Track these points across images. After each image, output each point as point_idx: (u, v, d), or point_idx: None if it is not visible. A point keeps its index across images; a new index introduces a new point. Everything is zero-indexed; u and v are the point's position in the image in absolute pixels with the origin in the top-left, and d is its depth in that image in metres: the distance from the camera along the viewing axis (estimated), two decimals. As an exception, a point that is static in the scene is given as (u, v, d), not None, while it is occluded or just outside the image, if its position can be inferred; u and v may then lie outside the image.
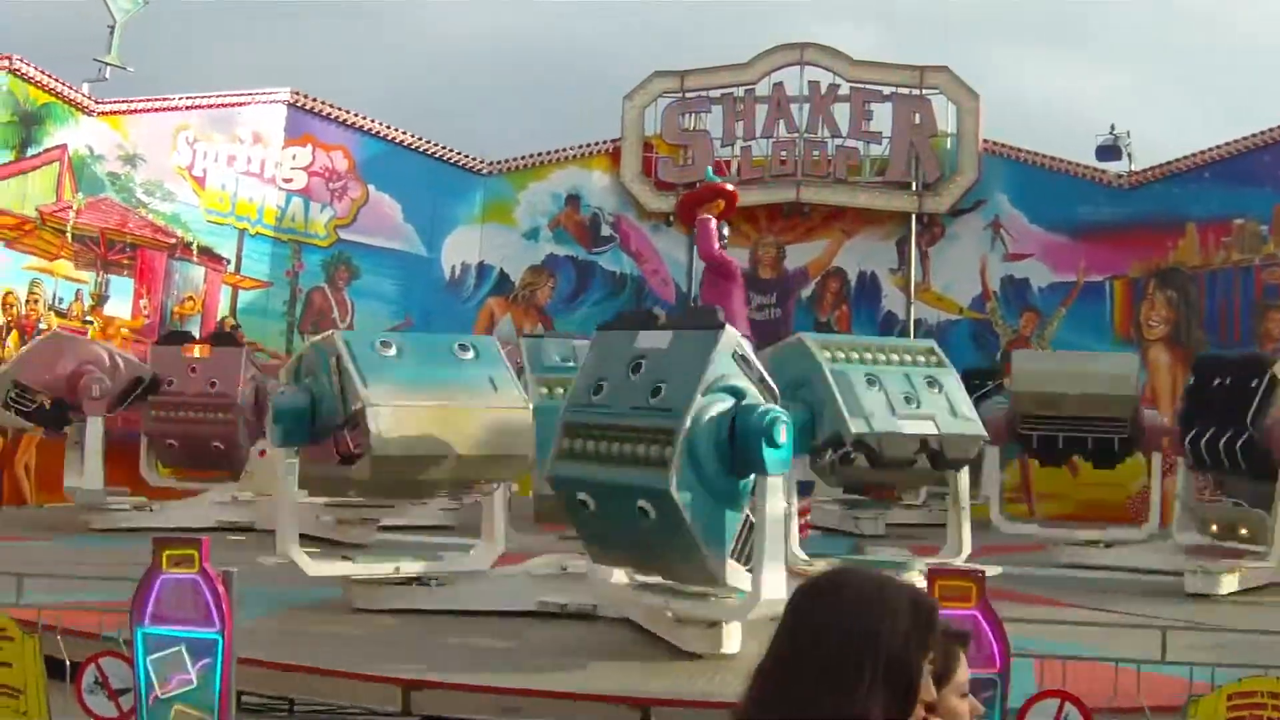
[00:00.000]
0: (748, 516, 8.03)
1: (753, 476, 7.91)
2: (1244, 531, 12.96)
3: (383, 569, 10.02)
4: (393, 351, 9.83)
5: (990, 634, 5.60)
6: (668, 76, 23.71)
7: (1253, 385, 12.59)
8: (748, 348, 8.27)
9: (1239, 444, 12.63)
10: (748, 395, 8.01)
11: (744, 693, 2.73)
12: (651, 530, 7.90)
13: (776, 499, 7.91)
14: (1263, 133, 21.39)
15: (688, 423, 7.72)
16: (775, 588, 7.59)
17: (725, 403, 7.92)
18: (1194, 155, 22.09)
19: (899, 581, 2.81)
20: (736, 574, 7.87)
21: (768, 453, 7.72)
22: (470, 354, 10.10)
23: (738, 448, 7.79)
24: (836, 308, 23.12)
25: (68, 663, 6.26)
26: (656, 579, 8.74)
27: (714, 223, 14.42)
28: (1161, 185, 22.24)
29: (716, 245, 14.40)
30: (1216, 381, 13.25)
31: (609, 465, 8.11)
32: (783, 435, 7.75)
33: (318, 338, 10.76)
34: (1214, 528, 13.49)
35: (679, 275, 23.24)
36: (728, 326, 8.19)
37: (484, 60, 44.36)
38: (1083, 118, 29.63)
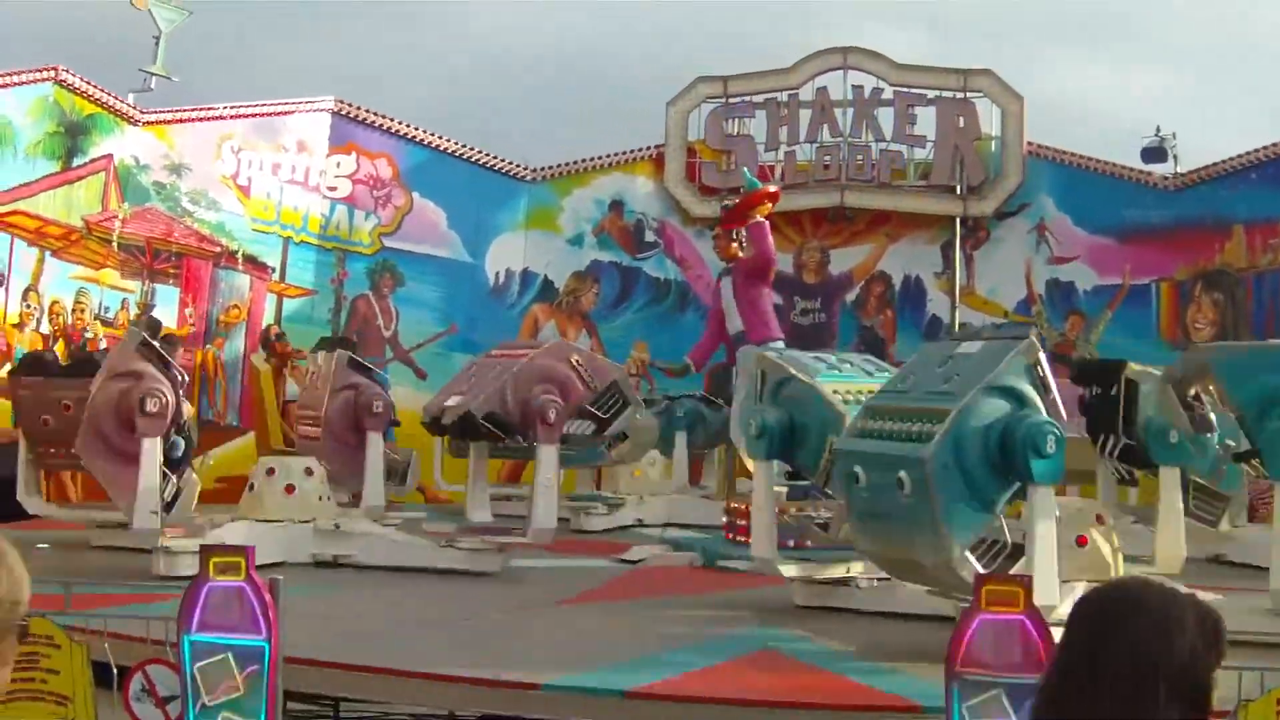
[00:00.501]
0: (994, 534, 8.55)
1: (1014, 487, 8.20)
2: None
3: (835, 570, 10.40)
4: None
5: (1037, 638, 5.57)
6: (711, 82, 23.73)
7: (1113, 392, 12.65)
8: (1046, 362, 8.48)
9: (1118, 452, 12.73)
10: (1028, 404, 8.23)
11: (1031, 708, 2.75)
12: (903, 504, 8.20)
13: (1047, 507, 8.19)
14: (1311, 133, 21.19)
15: (961, 405, 8.07)
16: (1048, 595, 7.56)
17: (1004, 405, 8.21)
18: (1240, 156, 21.95)
19: (1183, 593, 2.80)
20: (970, 568, 7.99)
21: (1035, 462, 7.97)
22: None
23: (1006, 451, 8.06)
24: (881, 311, 23.07)
25: (115, 670, 6.26)
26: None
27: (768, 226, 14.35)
28: (1208, 187, 22.11)
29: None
30: (1092, 389, 13.29)
31: (885, 440, 8.57)
32: (1050, 446, 7.95)
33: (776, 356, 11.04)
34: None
35: (724, 281, 23.21)
36: (1031, 339, 8.48)
37: (528, 67, 44.30)
38: (1128, 120, 29.42)
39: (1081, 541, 8.97)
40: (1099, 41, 48.29)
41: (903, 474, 8.09)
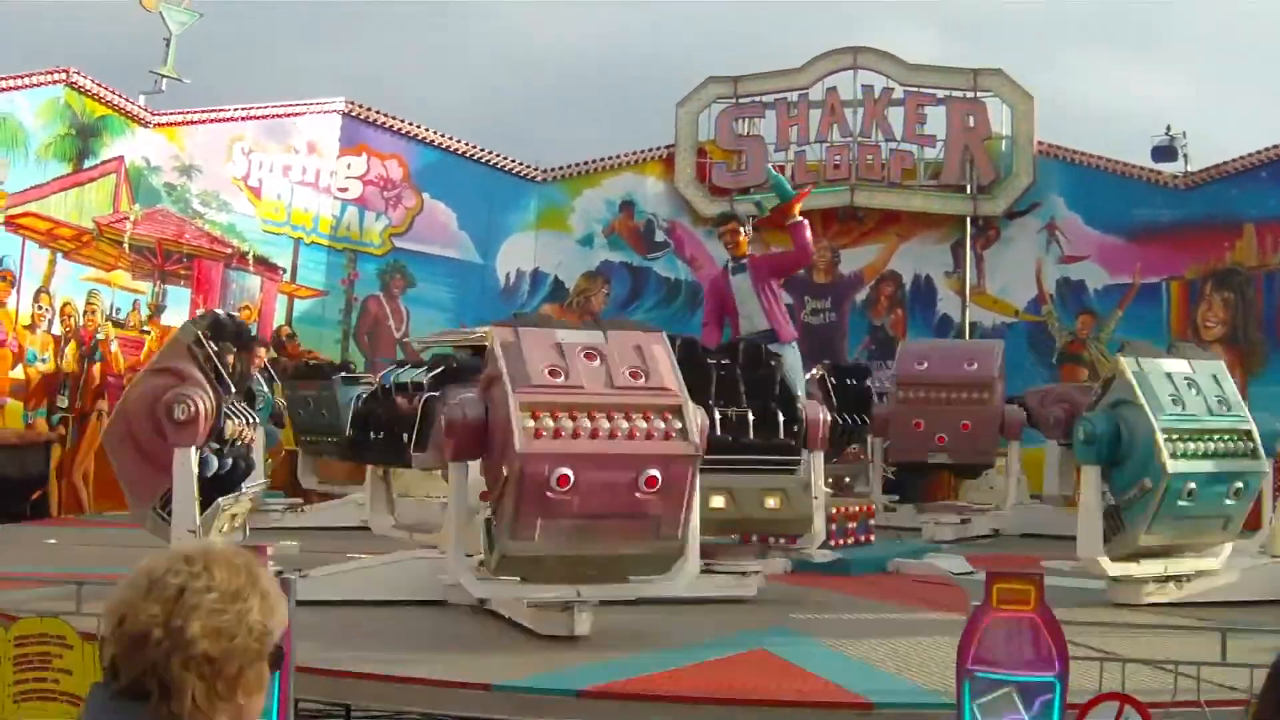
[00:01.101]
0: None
1: None
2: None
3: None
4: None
5: (1049, 636, 5.67)
6: (721, 82, 23.80)
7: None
8: None
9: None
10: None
11: None
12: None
13: None
14: (1321, 132, 21.19)
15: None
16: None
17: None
18: (1251, 155, 21.94)
19: None
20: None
21: None
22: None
23: None
24: (891, 311, 23.11)
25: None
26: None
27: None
28: (1218, 186, 22.10)
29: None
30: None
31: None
32: None
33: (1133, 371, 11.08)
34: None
35: (734, 281, 23.24)
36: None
37: (538, 68, 44.55)
38: (1138, 119, 29.42)
39: None
40: (1109, 40, 48.42)
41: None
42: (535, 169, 24.17)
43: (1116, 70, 47.05)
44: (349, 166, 22.80)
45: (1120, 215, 22.39)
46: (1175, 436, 10.50)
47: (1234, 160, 22.13)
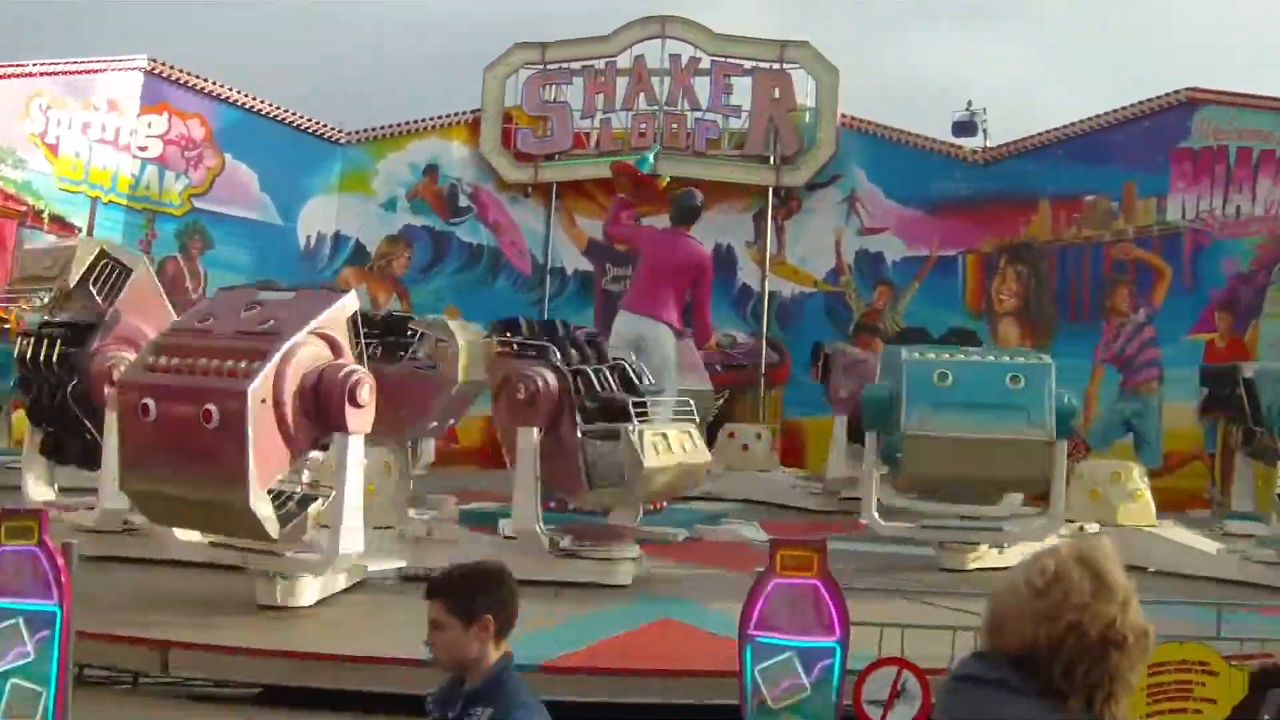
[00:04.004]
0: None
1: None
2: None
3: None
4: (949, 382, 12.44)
5: (830, 603, 6.27)
6: (529, 48, 25.41)
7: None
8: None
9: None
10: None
11: None
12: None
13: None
14: (1115, 111, 23.20)
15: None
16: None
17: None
18: (1048, 132, 23.90)
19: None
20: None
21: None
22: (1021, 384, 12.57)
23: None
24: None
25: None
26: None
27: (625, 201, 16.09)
28: (1016, 161, 24.06)
29: (623, 221, 16.17)
30: None
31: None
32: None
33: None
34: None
35: (535, 247, 24.86)
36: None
37: (343, 30, 45.98)
38: (941, 93, 31.25)
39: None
40: (916, 14, 50.34)
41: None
42: (339, 131, 25.56)
43: (921, 44, 49.26)
44: (150, 125, 23.85)
45: (920, 189, 24.32)
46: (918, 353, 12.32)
47: (1032, 136, 24.12)
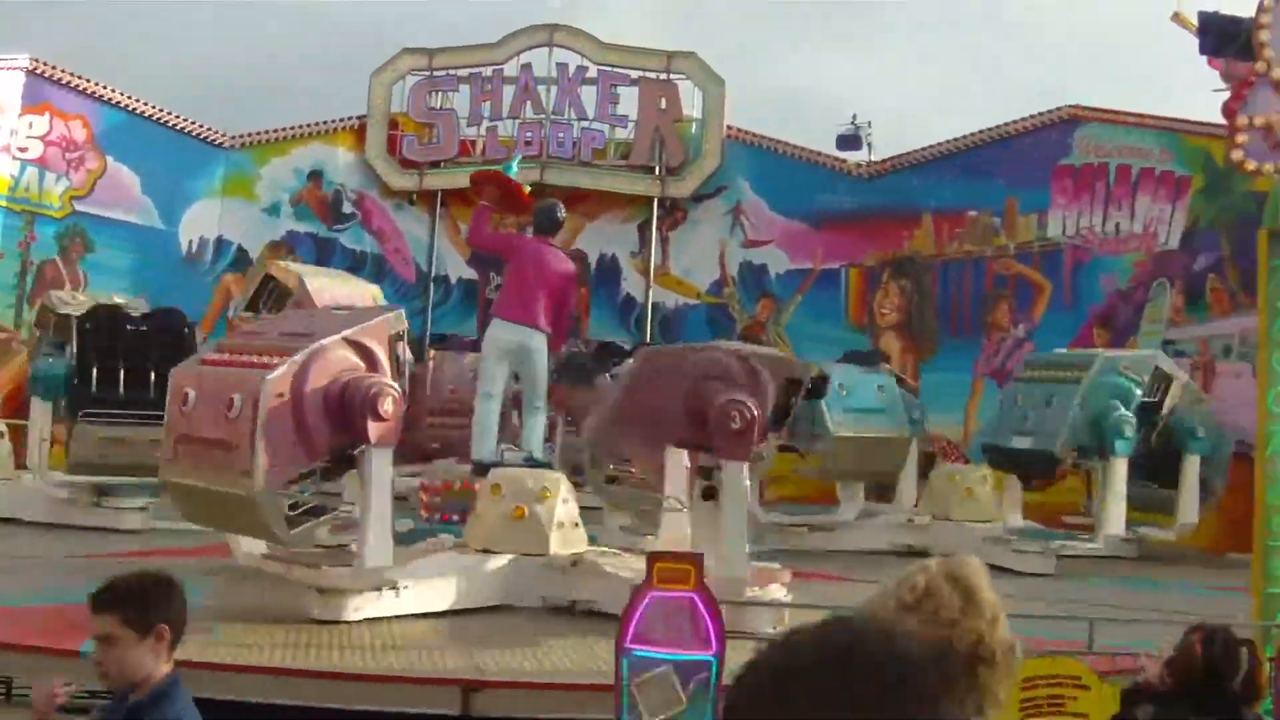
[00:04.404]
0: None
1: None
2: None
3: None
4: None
5: (707, 616, 6.19)
6: (416, 54, 25.61)
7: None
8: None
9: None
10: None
11: None
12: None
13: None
14: (998, 127, 23.67)
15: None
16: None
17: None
18: (931, 147, 24.32)
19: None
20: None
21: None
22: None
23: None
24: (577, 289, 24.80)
25: None
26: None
27: (488, 210, 15.50)
28: (899, 176, 24.44)
29: (486, 230, 15.68)
30: None
31: None
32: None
33: None
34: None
35: (420, 254, 24.94)
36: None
37: (228, 32, 46.05)
38: (830, 106, 31.66)
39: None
40: (804, 26, 50.84)
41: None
42: (223, 135, 25.56)
43: (819, 57, 49.87)
44: (30, 125, 23.71)
45: (804, 202, 24.67)
46: None
47: (916, 151, 24.51)
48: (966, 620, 3.00)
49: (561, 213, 15.82)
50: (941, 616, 2.99)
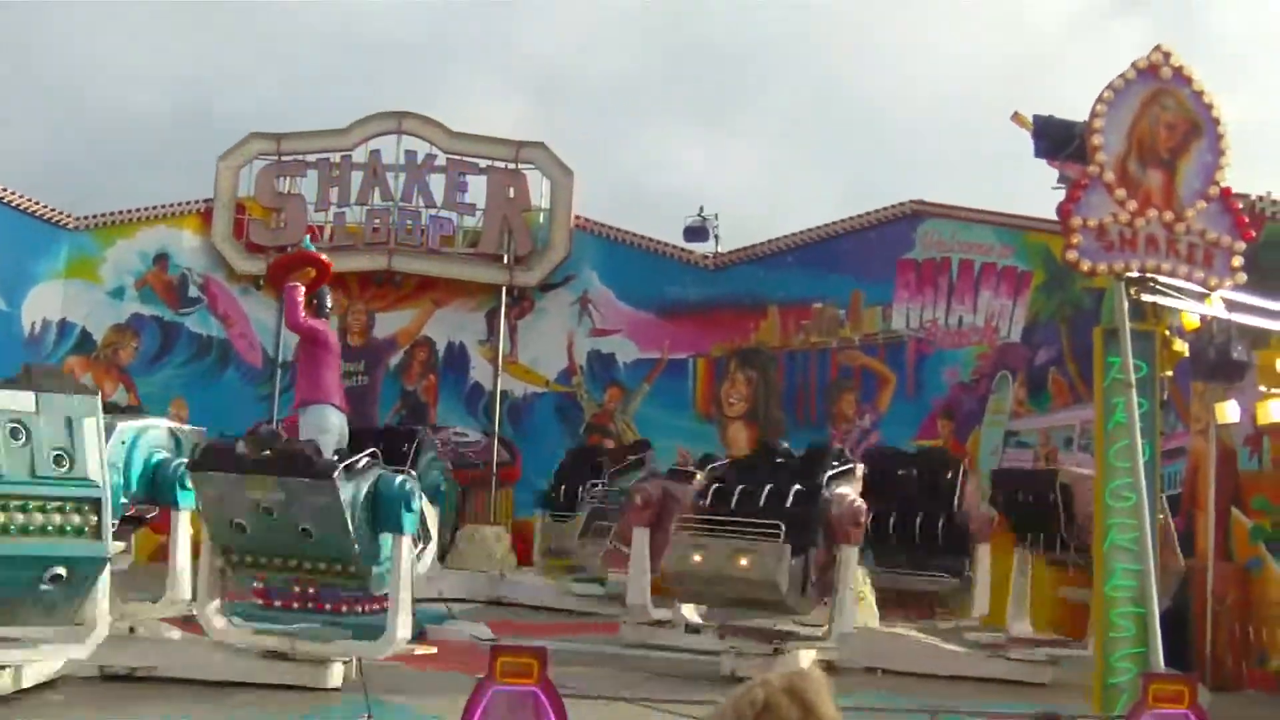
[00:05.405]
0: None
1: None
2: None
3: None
4: None
5: (550, 711, 6.36)
6: (264, 138, 25.97)
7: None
8: None
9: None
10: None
11: None
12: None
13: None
14: (843, 220, 24.51)
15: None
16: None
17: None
18: (777, 240, 25.18)
19: None
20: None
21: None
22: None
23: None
24: (424, 377, 25.47)
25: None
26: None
27: (302, 291, 15.94)
28: (746, 267, 25.25)
29: (302, 314, 15.92)
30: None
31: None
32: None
33: None
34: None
35: (266, 340, 25.21)
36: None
37: (73, 113, 46.33)
38: (677, 197, 32.54)
39: None
40: (652, 119, 52.11)
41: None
42: (67, 216, 25.67)
43: (665, 149, 51.10)
44: None
45: (651, 292, 25.41)
46: None
47: (762, 244, 25.36)
48: None
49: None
50: None
